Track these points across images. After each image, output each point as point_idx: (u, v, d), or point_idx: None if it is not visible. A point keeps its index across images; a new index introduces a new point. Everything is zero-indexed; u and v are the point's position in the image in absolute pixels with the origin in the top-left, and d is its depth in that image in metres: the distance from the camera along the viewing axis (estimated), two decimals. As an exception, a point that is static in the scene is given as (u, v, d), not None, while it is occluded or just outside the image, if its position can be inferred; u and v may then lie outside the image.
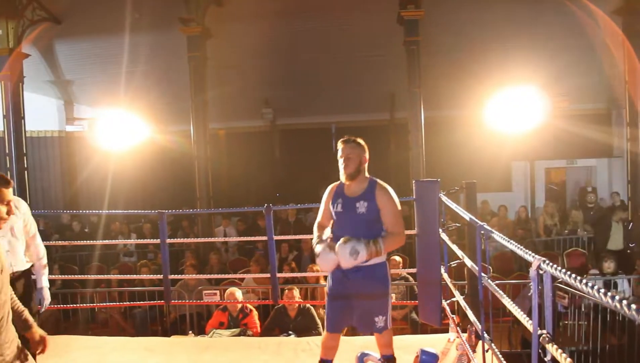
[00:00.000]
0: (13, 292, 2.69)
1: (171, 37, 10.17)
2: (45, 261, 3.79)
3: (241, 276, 7.71)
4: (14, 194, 3.67)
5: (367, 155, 3.49)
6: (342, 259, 3.24)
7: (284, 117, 14.38)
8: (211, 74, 10.13)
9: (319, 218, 3.69)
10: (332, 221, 3.60)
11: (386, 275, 3.51)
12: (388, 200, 3.41)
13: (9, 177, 2.84)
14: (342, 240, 3.28)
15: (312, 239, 3.61)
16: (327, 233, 3.54)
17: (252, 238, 6.87)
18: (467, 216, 3.43)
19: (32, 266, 3.73)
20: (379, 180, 3.50)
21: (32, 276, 3.75)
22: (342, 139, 3.49)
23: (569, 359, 1.60)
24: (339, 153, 3.47)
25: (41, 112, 13.11)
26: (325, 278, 4.00)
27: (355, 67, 11.94)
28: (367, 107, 13.55)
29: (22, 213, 3.63)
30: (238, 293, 6.14)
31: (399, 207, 3.47)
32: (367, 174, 3.50)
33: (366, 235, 3.33)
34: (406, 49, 9.41)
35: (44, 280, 3.72)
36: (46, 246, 3.91)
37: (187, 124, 10.00)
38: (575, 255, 9.30)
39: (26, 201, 3.82)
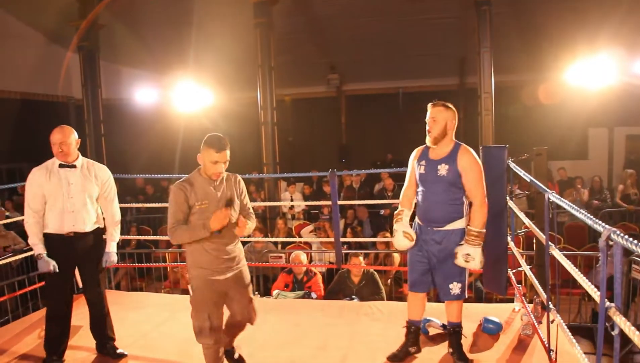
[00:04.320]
0: None
1: (238, 3, 10.22)
2: (118, 227, 3.94)
3: (306, 239, 7.80)
4: (91, 159, 3.83)
5: (455, 121, 3.46)
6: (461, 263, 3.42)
7: (350, 83, 14.27)
8: (277, 40, 10.13)
9: (405, 183, 3.73)
10: (415, 190, 3.64)
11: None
12: (470, 165, 3.39)
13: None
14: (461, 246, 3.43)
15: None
16: (407, 214, 3.60)
17: (317, 203, 6.92)
18: (535, 183, 3.31)
19: (103, 228, 3.89)
20: (463, 144, 3.48)
21: (102, 236, 3.91)
22: (431, 103, 3.49)
23: (637, 332, 1.53)
24: (427, 116, 3.47)
25: (116, 80, 13.63)
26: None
27: (424, 30, 11.60)
28: (436, 71, 13.21)
29: (100, 181, 3.79)
30: (303, 257, 6.24)
31: (482, 172, 3.43)
32: (453, 139, 3.48)
33: (444, 198, 3.41)
34: (477, 10, 9.04)
35: (112, 246, 3.87)
36: (122, 208, 4.07)
37: (254, 91, 10.08)
38: (656, 227, 8.80)
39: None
